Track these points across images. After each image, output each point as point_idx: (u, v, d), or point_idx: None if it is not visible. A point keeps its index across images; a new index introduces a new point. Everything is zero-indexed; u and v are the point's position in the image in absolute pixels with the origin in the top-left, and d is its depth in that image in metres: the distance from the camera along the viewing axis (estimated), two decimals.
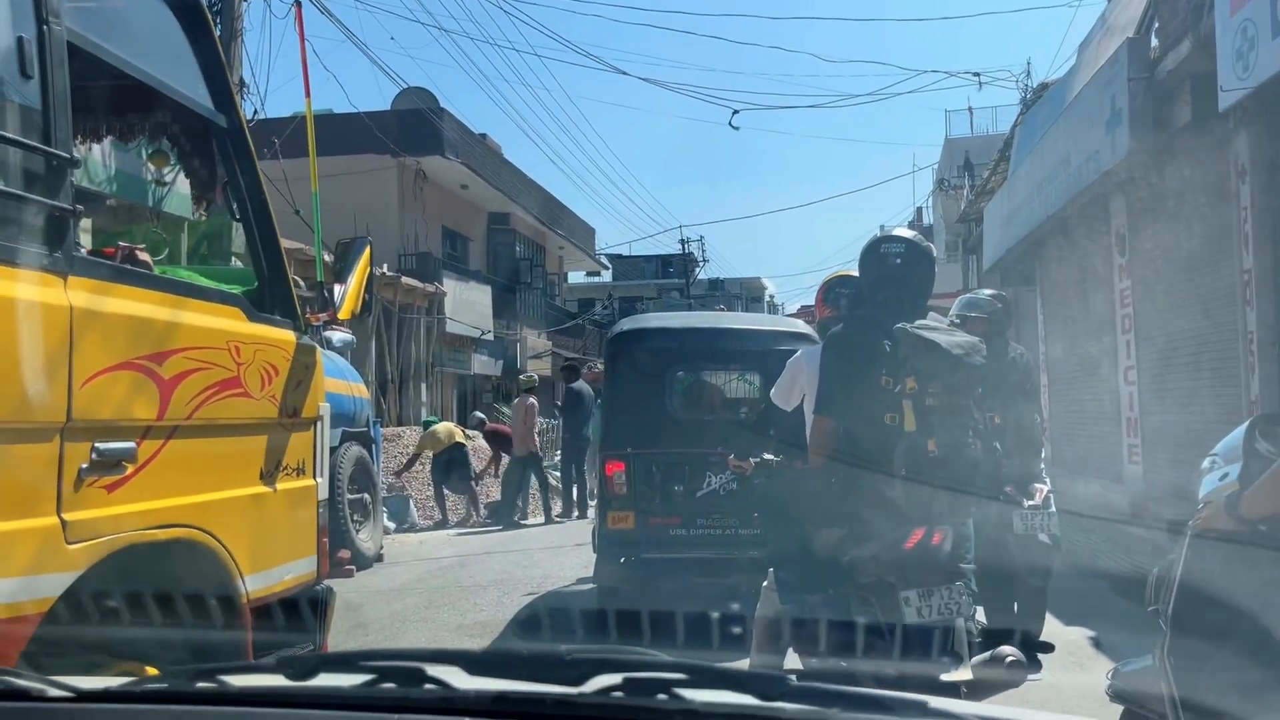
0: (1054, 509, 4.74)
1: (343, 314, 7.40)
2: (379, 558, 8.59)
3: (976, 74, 20.08)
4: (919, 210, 38.68)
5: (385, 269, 17.70)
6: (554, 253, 30.49)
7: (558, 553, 9.24)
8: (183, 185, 9.45)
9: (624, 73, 51.98)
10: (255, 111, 10.47)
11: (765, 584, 3.86)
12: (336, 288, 7.47)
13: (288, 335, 3.57)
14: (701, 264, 45.78)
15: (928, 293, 3.58)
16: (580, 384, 12.50)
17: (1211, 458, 2.78)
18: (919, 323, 3.32)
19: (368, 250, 8.02)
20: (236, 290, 3.52)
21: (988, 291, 5.55)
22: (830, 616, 3.23)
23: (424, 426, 13.49)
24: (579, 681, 1.23)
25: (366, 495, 8.52)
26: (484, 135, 24.89)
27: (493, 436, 13.43)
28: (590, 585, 6.75)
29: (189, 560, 2.88)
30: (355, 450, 8.22)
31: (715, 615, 2.69)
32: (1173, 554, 2.72)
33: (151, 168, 8.25)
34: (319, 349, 3.92)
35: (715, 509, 6.18)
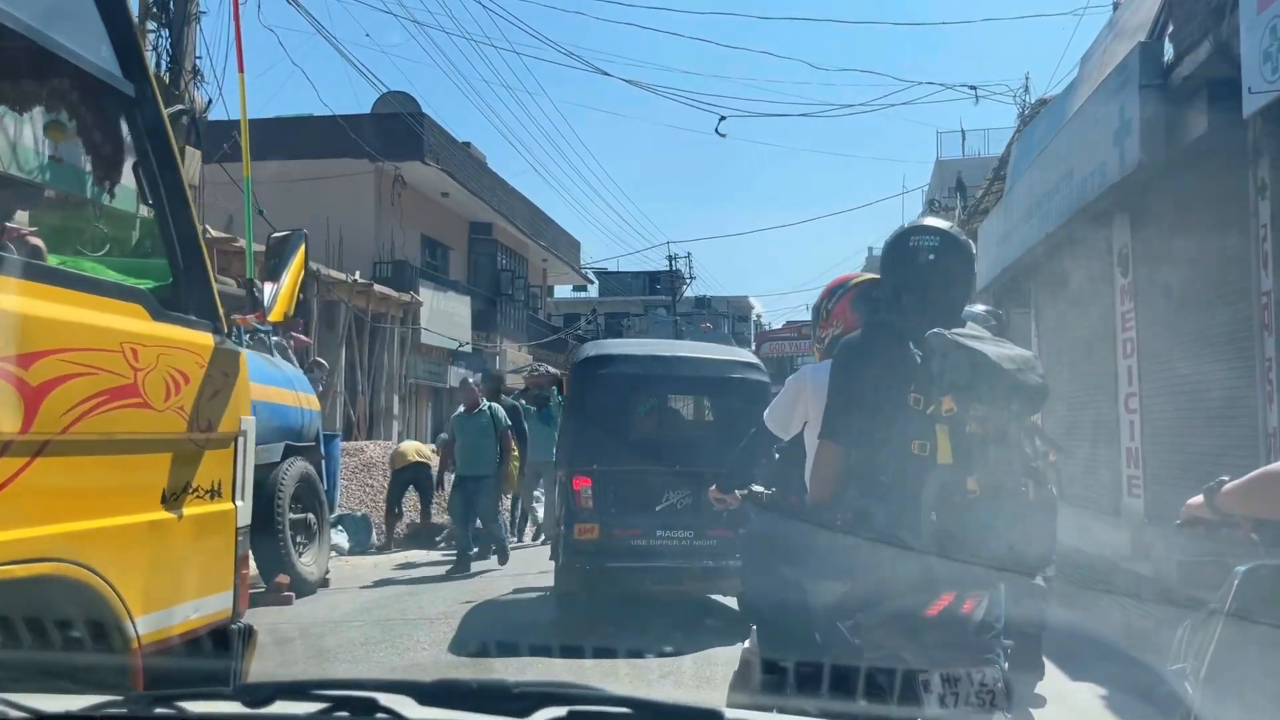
0: None
1: (274, 315, 6.79)
2: (324, 583, 7.94)
3: (973, 87, 19.45)
4: None
5: (358, 276, 17.10)
6: (537, 265, 29.94)
7: (517, 579, 8.64)
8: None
9: (605, 73, 51.09)
10: (210, 101, 9.86)
11: (745, 645, 3.23)
12: (268, 286, 6.82)
13: (203, 338, 3.04)
14: (689, 281, 45.43)
15: (967, 296, 2.97)
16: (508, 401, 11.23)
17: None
18: (959, 330, 2.67)
19: (303, 246, 7.40)
20: (146, 285, 3.01)
21: (980, 307, 5.21)
22: (826, 700, 2.46)
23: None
24: (525, 714, 1.26)
25: (311, 515, 7.87)
26: (468, 144, 24.39)
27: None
28: (542, 617, 7.09)
29: (64, 599, 2.46)
30: (300, 466, 7.58)
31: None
32: (1211, 605, 2.44)
33: (48, 142, 7.54)
34: (244, 354, 3.36)
35: (673, 521, 6.69)
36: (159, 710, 1.37)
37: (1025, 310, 13.88)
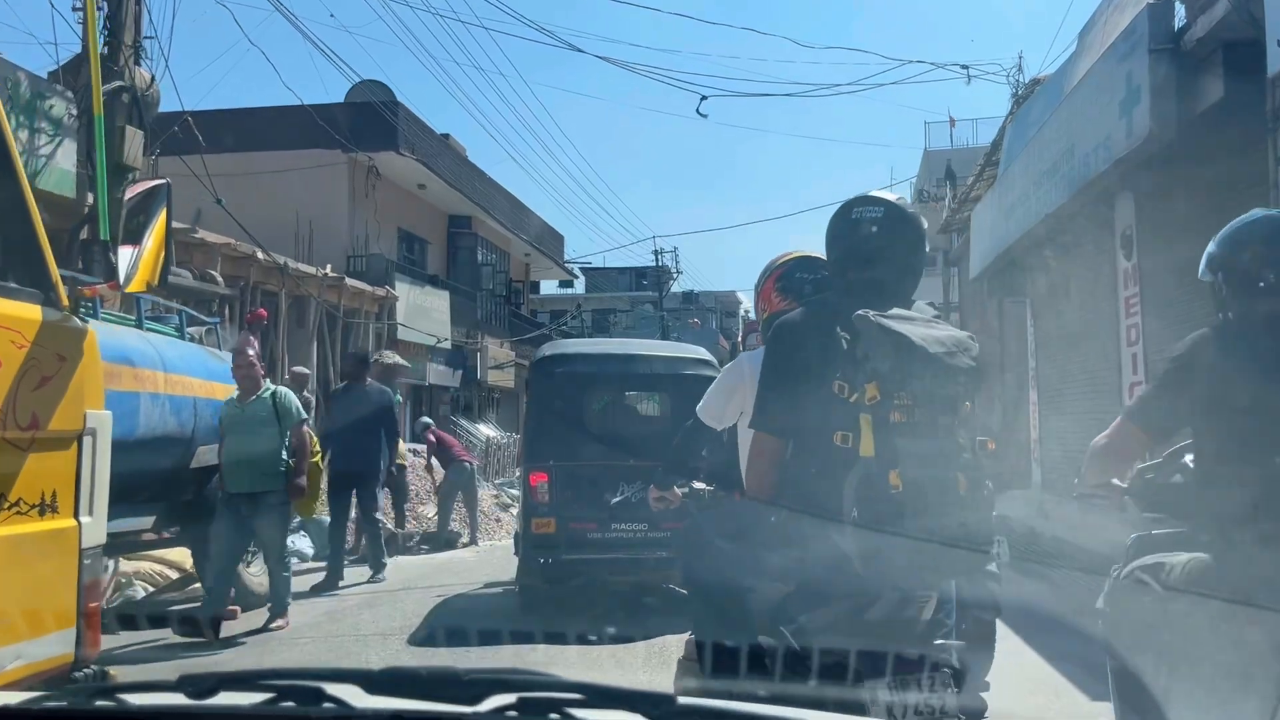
0: (1002, 535, 4.20)
1: (134, 284, 5.87)
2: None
3: (965, 66, 18.81)
4: None
5: (329, 269, 16.49)
6: (520, 260, 29.32)
7: (487, 590, 8.10)
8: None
9: (578, 49, 48.74)
10: (153, 78, 9.22)
11: (687, 636, 3.04)
12: (126, 250, 5.90)
13: (26, 311, 2.45)
14: (676, 276, 44.88)
15: (916, 274, 2.73)
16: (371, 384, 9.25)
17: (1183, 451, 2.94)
18: (891, 311, 2.45)
19: (167, 204, 6.48)
20: None
21: (924, 302, 5.23)
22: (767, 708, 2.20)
23: None
24: (475, 701, 1.25)
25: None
26: (446, 136, 23.75)
27: (434, 445, 12.26)
28: (504, 621, 7.06)
29: None
30: None
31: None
32: (1114, 567, 3.00)
33: None
34: (92, 333, 2.76)
35: (628, 515, 6.82)
36: (100, 703, 1.35)
37: (1020, 298, 13.38)
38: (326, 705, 1.27)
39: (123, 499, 6.31)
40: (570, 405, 7.47)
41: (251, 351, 6.84)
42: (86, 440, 2.57)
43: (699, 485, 3.18)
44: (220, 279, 11.67)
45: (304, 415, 6.87)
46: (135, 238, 5.72)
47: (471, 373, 23.67)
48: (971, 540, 2.52)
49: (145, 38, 9.66)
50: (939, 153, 31.15)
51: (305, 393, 10.16)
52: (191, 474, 6.64)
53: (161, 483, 6.45)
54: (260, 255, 14.04)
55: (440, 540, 11.25)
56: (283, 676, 1.35)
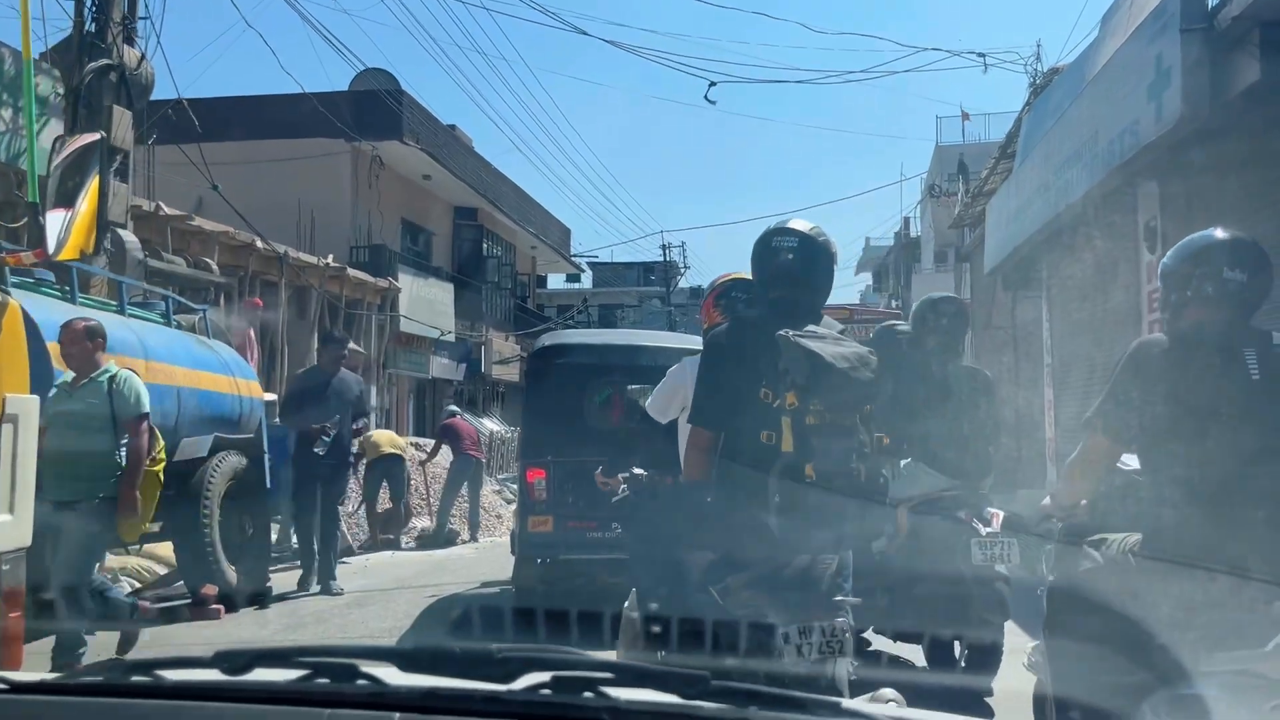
0: (1014, 537, 4.44)
1: (66, 252, 5.29)
2: (263, 593, 7.03)
3: (981, 54, 18.39)
4: (906, 220, 37.66)
5: (331, 260, 16.22)
6: (526, 252, 29.06)
7: (483, 590, 7.81)
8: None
9: (583, 32, 48.15)
10: (143, 56, 8.94)
11: (626, 605, 3.45)
12: (55, 215, 5.23)
13: None
14: (684, 271, 44.61)
15: (825, 293, 3.36)
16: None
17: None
18: (806, 329, 3.02)
19: (99, 165, 5.87)
20: None
21: (940, 293, 5.47)
22: (697, 650, 2.88)
23: None
24: (508, 679, 1.24)
25: (248, 517, 6.99)
26: (453, 126, 23.48)
27: (445, 431, 11.96)
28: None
29: None
30: (233, 462, 6.70)
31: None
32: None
33: None
34: (14, 305, 2.46)
35: None
36: (136, 678, 1.35)
37: (1035, 294, 13.03)
38: (361, 682, 1.27)
39: None
40: (570, 398, 7.08)
41: (85, 320, 5.74)
42: (4, 429, 2.28)
43: (639, 471, 3.65)
44: (215, 267, 11.40)
45: (144, 409, 5.26)
46: (69, 201, 5.20)
47: (476, 366, 23.41)
48: (867, 520, 3.23)
49: (140, 18, 9.39)
50: (951, 148, 30.77)
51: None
52: (175, 466, 6.36)
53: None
54: (259, 244, 13.77)
55: (439, 539, 10.94)
56: (318, 654, 1.35)
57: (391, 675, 1.28)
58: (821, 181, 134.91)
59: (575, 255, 33.65)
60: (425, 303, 19.99)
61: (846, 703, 1.27)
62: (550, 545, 6.72)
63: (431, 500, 11.95)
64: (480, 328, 23.79)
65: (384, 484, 11.01)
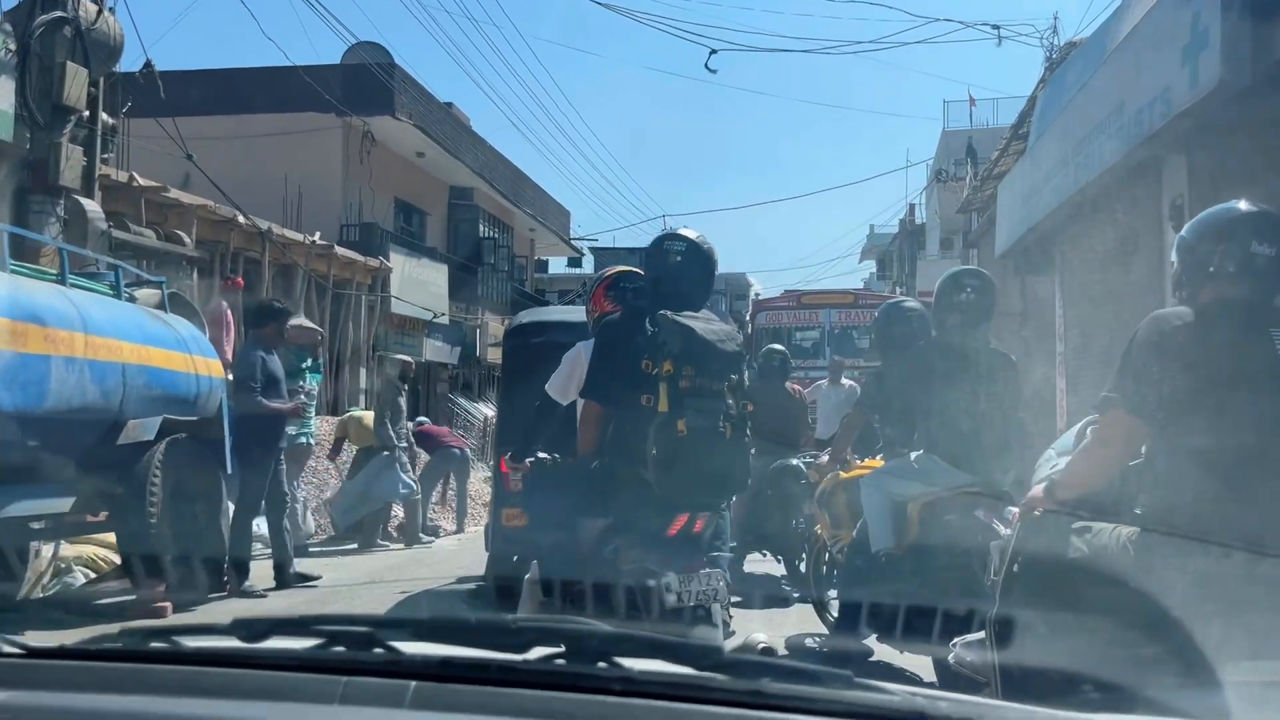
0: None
1: None
2: (218, 589, 6.52)
3: (996, 26, 17.86)
4: (911, 207, 37.13)
5: (318, 237, 15.69)
6: (524, 234, 28.50)
7: (459, 586, 7.30)
8: None
9: None
10: (100, 10, 8.38)
11: (528, 576, 3.85)
12: None
13: None
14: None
15: (706, 289, 3.79)
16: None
17: (1048, 454, 3.23)
18: (683, 313, 3.52)
19: None
20: None
21: (964, 266, 5.28)
22: (593, 605, 3.26)
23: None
24: (522, 649, 1.26)
25: (200, 507, 6.47)
26: (450, 104, 22.91)
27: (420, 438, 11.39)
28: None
29: None
30: (185, 446, 6.19)
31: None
32: (1008, 534, 3.17)
33: None
34: None
35: None
36: (154, 645, 1.37)
37: (1048, 278, 12.49)
38: (377, 651, 1.28)
39: (33, 477, 5.57)
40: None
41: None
42: None
43: (544, 455, 3.88)
44: (188, 240, 10.87)
45: None
46: None
47: (471, 349, 22.87)
48: (733, 472, 3.61)
49: None
50: (958, 132, 30.21)
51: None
52: (120, 451, 5.86)
53: (82, 460, 5.67)
54: (241, 219, 13.24)
55: (413, 533, 10.43)
56: (335, 622, 1.36)
57: (407, 644, 1.28)
58: (826, 167, 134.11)
59: (575, 239, 33.10)
60: (418, 284, 19.45)
61: (858, 678, 1.25)
62: (525, 540, 6.06)
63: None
64: (476, 311, 23.25)
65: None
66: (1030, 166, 11.55)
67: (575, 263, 40.46)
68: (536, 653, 1.25)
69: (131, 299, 6.62)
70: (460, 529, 10.77)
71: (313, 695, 1.22)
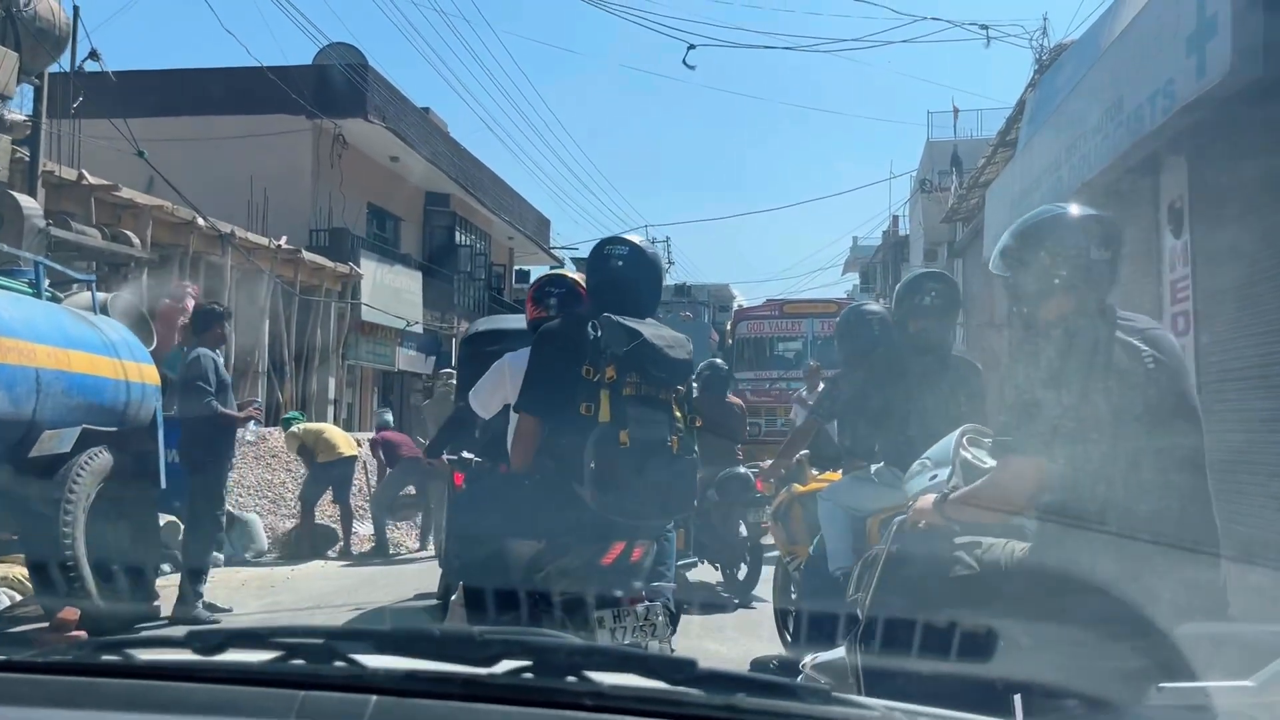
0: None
1: None
2: (148, 615, 5.97)
3: (984, 26, 17.57)
4: (895, 218, 36.91)
5: (284, 242, 15.16)
6: (502, 242, 28.02)
7: (416, 603, 6.79)
8: None
9: None
10: None
11: (454, 599, 3.43)
12: None
13: None
14: (668, 266, 43.74)
15: (653, 297, 3.54)
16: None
17: (923, 461, 3.01)
18: (628, 318, 3.25)
19: None
20: None
21: (924, 269, 4.91)
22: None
23: (283, 425, 10.89)
24: (489, 662, 1.22)
25: (123, 525, 5.93)
26: (427, 109, 22.44)
27: (377, 447, 10.85)
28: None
29: None
30: (105, 460, 5.66)
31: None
32: (876, 548, 2.97)
33: None
34: None
35: None
36: (106, 658, 1.33)
37: None
38: (338, 664, 1.24)
39: None
40: None
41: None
42: None
43: (468, 455, 3.62)
44: (136, 240, 10.32)
45: None
46: None
47: (446, 359, 22.35)
48: (678, 489, 3.28)
49: None
50: (942, 143, 30.02)
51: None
52: (31, 465, 5.33)
53: None
54: (201, 221, 12.71)
55: (381, 550, 9.87)
56: (293, 634, 1.32)
57: (369, 657, 1.24)
58: (809, 177, 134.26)
59: (555, 248, 32.64)
60: (390, 291, 18.94)
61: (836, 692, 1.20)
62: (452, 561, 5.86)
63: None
64: (451, 318, 22.75)
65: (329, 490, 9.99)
66: (1021, 170, 11.17)
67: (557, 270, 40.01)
68: (503, 666, 1.21)
69: (55, 299, 6.10)
70: (423, 546, 10.24)
71: (269, 710, 1.18)
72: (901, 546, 2.75)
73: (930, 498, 2.76)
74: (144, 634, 1.23)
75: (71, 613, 5.32)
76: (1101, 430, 2.45)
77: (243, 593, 7.25)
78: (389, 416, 12.19)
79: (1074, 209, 2.72)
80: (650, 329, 3.25)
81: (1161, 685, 2.11)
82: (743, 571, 7.31)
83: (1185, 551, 2.42)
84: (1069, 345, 2.51)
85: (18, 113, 8.97)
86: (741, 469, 7.34)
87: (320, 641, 1.27)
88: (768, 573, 7.03)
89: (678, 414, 3.27)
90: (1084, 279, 2.57)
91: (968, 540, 2.61)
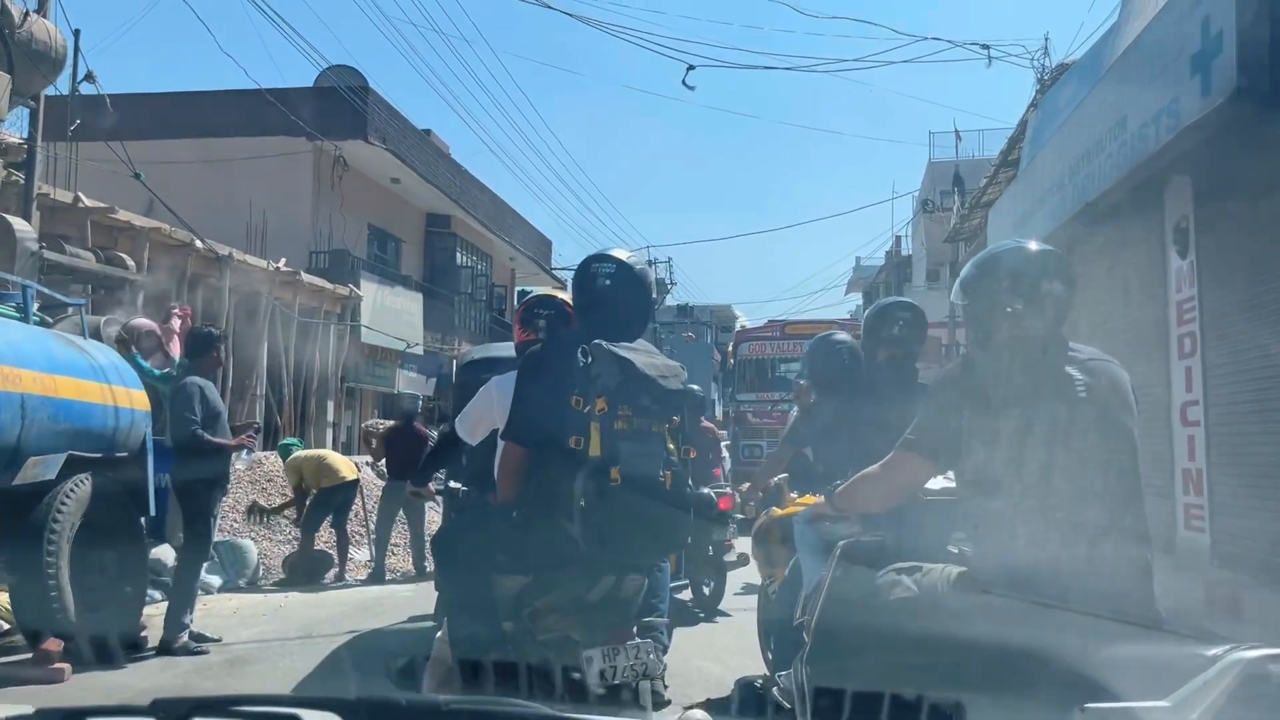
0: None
1: None
2: (134, 645, 5.83)
3: (985, 46, 17.51)
4: (898, 239, 36.89)
5: (283, 264, 15.10)
6: (503, 263, 27.99)
7: (410, 625, 6.65)
8: None
9: (548, 6, 45.45)
10: (28, 12, 7.82)
11: (439, 634, 3.32)
12: None
13: None
14: (670, 287, 43.66)
15: (643, 318, 3.40)
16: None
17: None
18: (619, 344, 3.08)
19: None
20: None
21: (893, 298, 5.13)
22: (506, 676, 2.73)
23: (280, 453, 10.77)
24: None
25: (112, 553, 5.81)
26: (428, 131, 22.45)
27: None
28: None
29: None
30: (93, 485, 5.55)
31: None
32: (824, 573, 3.05)
33: None
34: None
35: None
36: None
37: None
38: None
39: None
40: None
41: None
42: None
43: (455, 485, 3.63)
44: (130, 263, 10.25)
45: None
46: None
47: (447, 380, 22.25)
48: (670, 528, 3.17)
49: None
50: (944, 163, 30.03)
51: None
52: (15, 492, 5.22)
53: None
54: (199, 244, 12.65)
55: (378, 576, 9.73)
56: (258, 703, 1.32)
57: None
58: (812, 197, 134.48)
59: (557, 268, 32.59)
60: (391, 313, 18.87)
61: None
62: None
63: (371, 529, 10.73)
64: (452, 340, 22.67)
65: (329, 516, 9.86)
66: (1022, 191, 11.10)
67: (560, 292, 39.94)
68: None
69: (45, 322, 6.01)
70: (418, 571, 10.09)
71: None
72: (845, 570, 2.84)
73: (822, 499, 3.01)
74: (107, 705, 1.06)
75: (55, 644, 5.22)
76: (1014, 444, 2.57)
77: (233, 621, 7.11)
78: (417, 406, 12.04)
79: (1032, 245, 2.88)
80: (643, 357, 3.10)
81: (1085, 706, 2.13)
82: (709, 587, 7.81)
83: (1117, 563, 2.51)
84: (1007, 366, 2.66)
85: (13, 135, 8.93)
86: (705, 489, 7.44)
87: (285, 710, 1.27)
88: (732, 585, 8.02)
89: (670, 446, 3.14)
90: (1034, 310, 2.71)
91: (908, 565, 2.74)
